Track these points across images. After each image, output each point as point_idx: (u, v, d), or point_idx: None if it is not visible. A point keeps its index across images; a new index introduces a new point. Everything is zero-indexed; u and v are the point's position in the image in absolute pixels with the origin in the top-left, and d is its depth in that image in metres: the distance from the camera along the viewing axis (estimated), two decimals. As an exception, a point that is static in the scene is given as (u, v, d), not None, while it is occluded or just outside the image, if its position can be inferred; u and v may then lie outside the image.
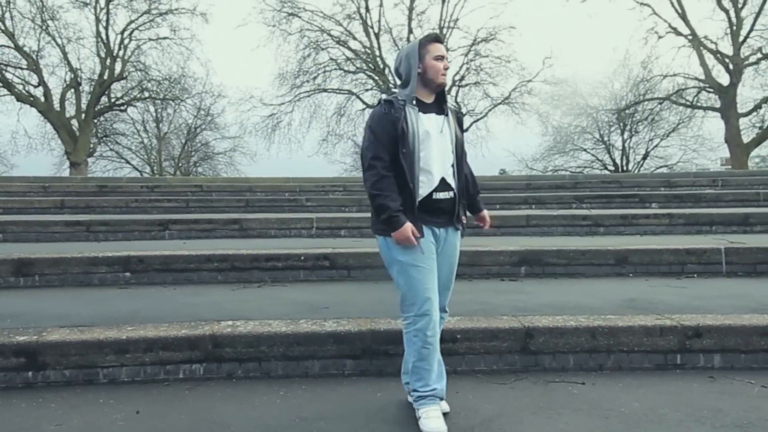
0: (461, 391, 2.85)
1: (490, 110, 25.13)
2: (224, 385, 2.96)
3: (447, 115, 2.61)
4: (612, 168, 29.23)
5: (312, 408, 2.66)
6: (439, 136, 2.54)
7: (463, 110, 25.21)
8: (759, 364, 3.15)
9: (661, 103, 25.57)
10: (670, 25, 22.61)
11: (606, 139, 29.83)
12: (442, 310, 2.68)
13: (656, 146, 29.06)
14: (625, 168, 28.89)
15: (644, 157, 29.28)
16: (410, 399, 2.60)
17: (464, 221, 2.66)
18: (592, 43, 49.11)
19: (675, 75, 23.73)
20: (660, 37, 23.06)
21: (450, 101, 2.70)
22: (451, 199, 2.56)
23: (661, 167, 28.46)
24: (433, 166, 2.50)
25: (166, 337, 3.06)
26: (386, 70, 24.28)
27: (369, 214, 7.84)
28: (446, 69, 2.58)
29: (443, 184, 2.53)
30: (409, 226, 2.44)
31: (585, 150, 30.22)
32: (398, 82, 2.63)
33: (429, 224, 2.53)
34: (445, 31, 24.00)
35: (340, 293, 4.29)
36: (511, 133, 57.13)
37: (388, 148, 2.48)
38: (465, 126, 25.51)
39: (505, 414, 2.57)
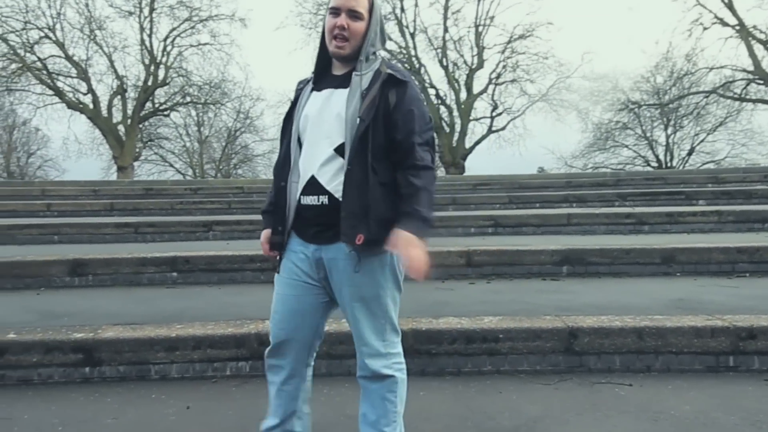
0: (504, 391, 2.84)
1: (527, 108, 24.84)
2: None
3: (350, 86, 1.83)
4: (655, 164, 28.40)
5: (355, 406, 2.67)
6: (316, 120, 1.85)
7: (500, 108, 24.97)
8: (818, 367, 3.02)
9: (707, 97, 24.74)
10: (716, 16, 21.89)
11: (649, 134, 29.01)
12: (367, 360, 1.93)
13: (702, 141, 28.09)
14: (669, 164, 28.03)
15: (689, 153, 28.33)
16: None
17: (359, 240, 1.76)
18: (633, 36, 47.85)
19: (722, 67, 22.96)
20: (705, 29, 22.35)
21: (382, 65, 1.87)
22: (319, 206, 1.82)
23: (707, 163, 27.46)
24: (304, 162, 1.87)
25: (213, 335, 3.15)
26: (422, 70, 24.29)
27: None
28: (341, 28, 1.81)
29: (312, 186, 1.83)
30: (265, 234, 1.99)
31: (627, 146, 29.45)
32: None
33: (302, 238, 1.90)
34: (480, 29, 23.85)
35: (380, 293, 4.31)
36: (549, 130, 56.22)
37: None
38: (502, 124, 25.20)
39: (549, 415, 2.55)
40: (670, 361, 3.09)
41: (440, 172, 28.44)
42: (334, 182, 1.81)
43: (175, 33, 23.90)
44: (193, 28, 23.94)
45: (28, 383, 3.02)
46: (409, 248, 1.74)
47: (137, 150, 25.33)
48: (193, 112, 28.09)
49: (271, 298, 4.26)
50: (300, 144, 1.90)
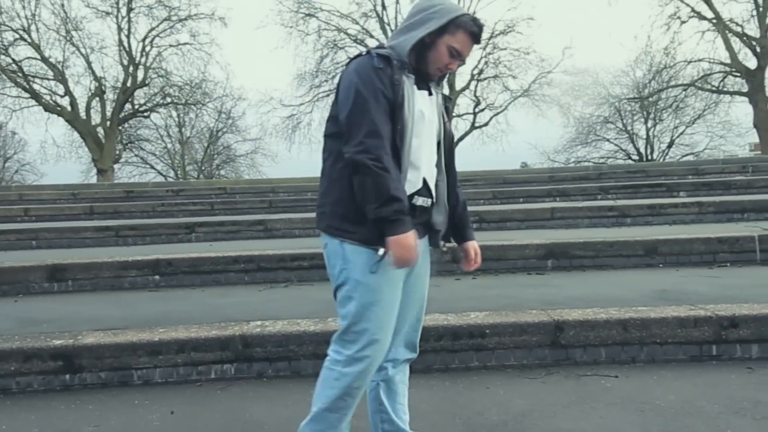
0: (492, 386, 2.84)
1: (510, 103, 24.96)
2: (255, 385, 2.99)
3: (436, 97, 1.95)
4: (636, 158, 28.74)
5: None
6: (429, 124, 1.88)
7: (482, 104, 25.08)
8: (799, 353, 3.07)
9: (685, 90, 25.07)
10: (693, 10, 22.13)
11: (629, 128, 29.35)
12: (410, 349, 2.05)
13: (682, 134, 28.55)
14: (649, 157, 28.37)
15: (669, 146, 28.76)
16: None
17: (442, 246, 2.03)
18: (612, 31, 48.29)
19: (700, 60, 23.25)
20: (683, 22, 22.57)
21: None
22: (428, 208, 1.91)
23: (687, 155, 27.88)
24: (422, 162, 1.85)
25: (197, 338, 3.10)
26: (404, 67, 24.23)
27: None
28: (448, 68, 1.89)
29: (425, 188, 1.88)
30: (415, 236, 1.74)
31: (608, 140, 29.79)
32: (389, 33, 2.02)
33: None
34: (462, 25, 23.85)
35: (366, 291, 4.29)
36: (531, 125, 56.69)
37: (386, 117, 1.75)
38: (485, 120, 25.28)
39: (537, 409, 2.55)
40: (655, 351, 3.11)
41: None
42: (434, 187, 1.92)
43: (153, 33, 23.61)
44: (172, 27, 23.64)
45: (6, 392, 2.94)
46: None
47: (117, 152, 24.98)
48: (174, 113, 27.80)
49: (255, 300, 4.21)
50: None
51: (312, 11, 23.83)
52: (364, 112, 1.73)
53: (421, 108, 1.84)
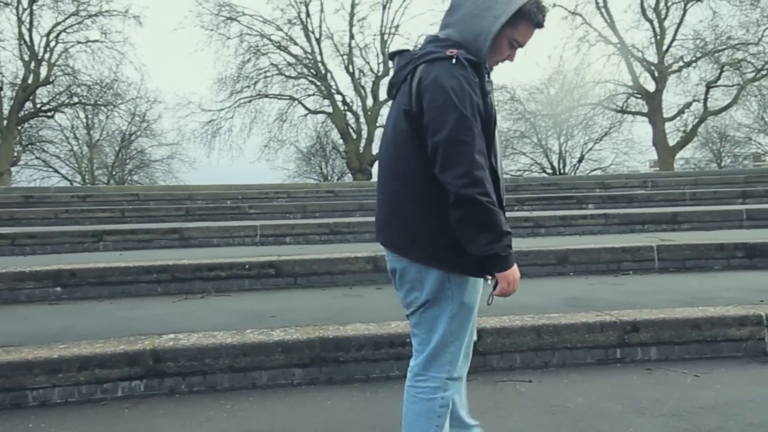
0: (412, 395, 2.84)
1: (431, 116, 25.45)
2: (167, 402, 2.83)
3: None
4: (550, 171, 30.32)
5: (261, 420, 2.59)
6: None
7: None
8: (691, 354, 3.32)
9: (593, 109, 26.77)
10: (600, 34, 23.72)
11: (544, 143, 30.94)
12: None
13: (590, 150, 30.47)
14: (562, 171, 30.03)
15: (579, 160, 30.59)
16: None
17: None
18: (528, 50, 50.74)
19: (606, 81, 24.94)
20: (591, 45, 24.17)
21: None
22: None
23: (595, 170, 29.81)
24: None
25: (102, 353, 2.90)
26: (328, 76, 24.23)
27: (315, 221, 7.75)
28: (506, 60, 1.80)
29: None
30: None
31: (524, 154, 31.24)
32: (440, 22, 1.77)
33: None
34: (386, 37, 24.23)
35: (286, 301, 4.21)
36: (452, 138, 58.19)
37: (483, 139, 1.65)
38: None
39: (456, 416, 2.58)
40: (566, 356, 3.26)
41: (347, 177, 28.48)
42: None
43: (59, 28, 22.10)
44: (80, 23, 22.23)
45: None
46: None
47: (15, 154, 23.10)
48: (82, 114, 26.15)
49: (168, 312, 4.02)
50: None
51: (234, 15, 23.27)
52: (469, 139, 1.58)
53: (497, 116, 1.75)
